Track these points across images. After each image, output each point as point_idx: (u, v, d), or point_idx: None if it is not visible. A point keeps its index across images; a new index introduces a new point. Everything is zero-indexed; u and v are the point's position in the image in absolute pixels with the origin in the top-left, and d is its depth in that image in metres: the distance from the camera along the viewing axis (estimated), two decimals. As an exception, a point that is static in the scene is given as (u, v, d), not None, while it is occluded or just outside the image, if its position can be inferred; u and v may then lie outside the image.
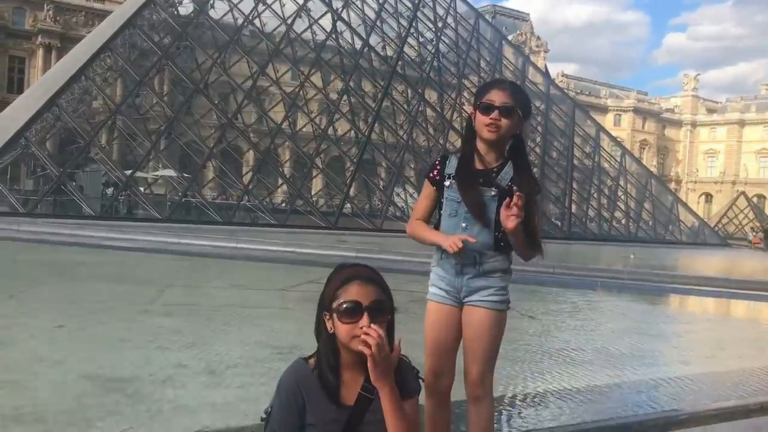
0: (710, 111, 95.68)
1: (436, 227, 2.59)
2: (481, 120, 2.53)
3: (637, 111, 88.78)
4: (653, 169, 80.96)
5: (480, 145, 2.58)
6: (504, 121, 2.51)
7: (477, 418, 2.52)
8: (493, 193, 2.50)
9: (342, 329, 1.96)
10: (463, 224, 2.51)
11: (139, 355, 4.93)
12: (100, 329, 5.98)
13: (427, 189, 2.63)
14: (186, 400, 3.79)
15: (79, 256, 12.82)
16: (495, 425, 2.80)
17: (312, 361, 2.05)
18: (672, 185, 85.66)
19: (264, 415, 2.03)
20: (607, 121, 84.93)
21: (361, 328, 1.90)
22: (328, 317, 2.02)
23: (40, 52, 53.46)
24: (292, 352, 5.21)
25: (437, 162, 2.64)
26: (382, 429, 1.88)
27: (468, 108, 41.90)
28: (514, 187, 2.45)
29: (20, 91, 48.17)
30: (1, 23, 53.09)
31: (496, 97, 2.52)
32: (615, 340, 6.97)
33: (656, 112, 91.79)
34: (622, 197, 42.28)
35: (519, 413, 3.94)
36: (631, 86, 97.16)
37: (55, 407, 3.75)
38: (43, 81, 35.68)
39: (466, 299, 2.53)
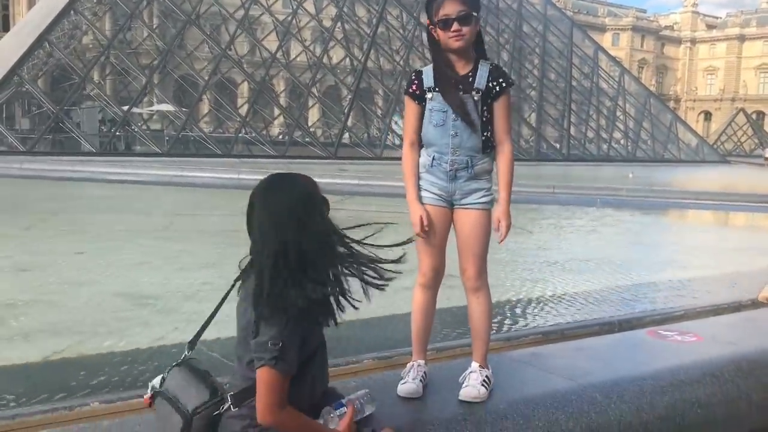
0: (710, 27, 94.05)
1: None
2: (444, 35, 2.59)
3: (635, 29, 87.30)
4: (652, 88, 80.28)
5: (449, 56, 2.66)
6: (465, 29, 2.57)
7: (479, 307, 2.73)
8: (475, 97, 2.61)
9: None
10: (452, 131, 2.61)
11: (162, 276, 5.17)
12: (120, 254, 6.21)
13: (410, 106, 2.70)
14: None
15: (83, 191, 12.99)
16: (496, 327, 3.04)
17: None
18: (671, 104, 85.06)
19: None
20: (605, 40, 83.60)
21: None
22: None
23: (26, -12, 52.25)
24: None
25: (413, 78, 2.73)
26: None
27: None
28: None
29: (6, 29, 47.30)
30: (-18, -42, 51.73)
31: (450, 8, 2.57)
32: (613, 250, 7.22)
33: (655, 29, 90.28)
34: (621, 117, 42.14)
35: (520, 315, 4.20)
36: (629, 4, 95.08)
37: (90, 321, 3.99)
38: (31, 17, 34.99)
39: (460, 201, 2.70)
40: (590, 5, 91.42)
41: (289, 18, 35.27)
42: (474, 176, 2.65)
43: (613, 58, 48.18)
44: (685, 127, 47.21)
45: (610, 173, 25.49)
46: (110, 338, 3.70)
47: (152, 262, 5.75)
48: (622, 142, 40.89)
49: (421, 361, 2.75)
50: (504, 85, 2.59)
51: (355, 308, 1.98)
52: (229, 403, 1.91)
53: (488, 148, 2.65)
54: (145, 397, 2.01)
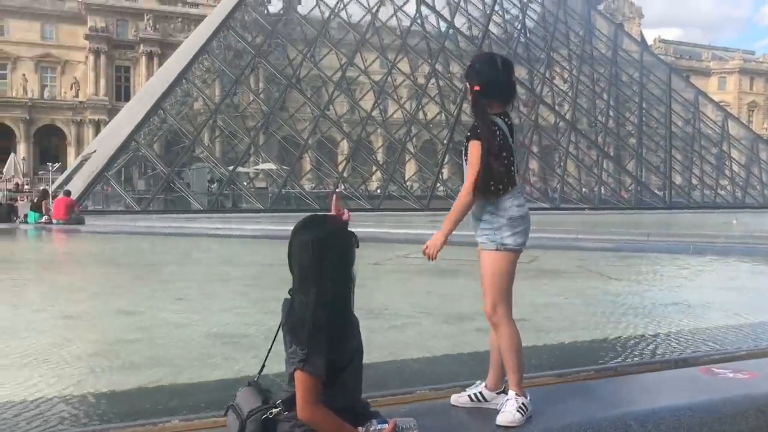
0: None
1: None
2: None
3: (742, 72, 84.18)
4: (764, 132, 76.66)
5: None
6: (469, 96, 3.05)
7: (500, 340, 3.00)
8: (461, 147, 3.08)
9: None
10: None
11: (249, 318, 5.64)
12: (214, 300, 6.77)
13: None
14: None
15: (189, 245, 13.96)
16: (552, 364, 3.20)
17: None
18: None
19: None
20: (711, 84, 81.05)
21: None
22: None
23: (143, 60, 56.67)
24: (382, 315, 5.80)
25: None
26: None
27: (557, 80, 41.32)
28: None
29: (127, 98, 51.36)
30: (106, 36, 56.64)
31: None
32: (694, 294, 7.15)
33: (765, 71, 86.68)
34: (727, 163, 40.59)
35: (581, 354, 4.35)
36: (738, 47, 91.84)
37: (183, 356, 4.48)
38: (147, 87, 38.00)
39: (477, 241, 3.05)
40: (693, 50, 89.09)
41: (385, 77, 36.50)
42: (476, 217, 2.97)
43: (716, 103, 46.73)
44: (798, 171, 44.75)
45: (715, 220, 24.57)
46: (200, 371, 4.15)
47: (242, 307, 6.25)
48: (728, 188, 39.24)
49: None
50: (469, 134, 2.98)
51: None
52: (280, 408, 2.33)
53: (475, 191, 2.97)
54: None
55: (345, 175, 33.63)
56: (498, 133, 2.93)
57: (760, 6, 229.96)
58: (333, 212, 2.90)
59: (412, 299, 6.92)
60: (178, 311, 6.08)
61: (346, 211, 2.84)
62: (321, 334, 2.31)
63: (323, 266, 2.36)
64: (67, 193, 21.25)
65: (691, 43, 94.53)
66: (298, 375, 2.29)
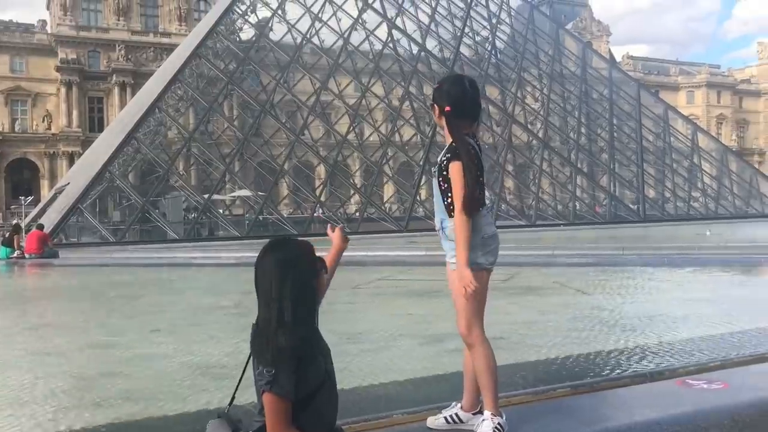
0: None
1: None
2: None
3: (710, 85, 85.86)
4: (733, 143, 78.04)
5: None
6: (435, 118, 3.16)
7: (475, 362, 3.00)
8: (433, 169, 3.14)
9: None
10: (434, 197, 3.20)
11: (225, 348, 5.58)
12: (190, 330, 6.70)
13: None
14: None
15: (166, 275, 13.82)
16: (525, 381, 3.20)
17: None
18: (755, 158, 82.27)
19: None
20: (680, 99, 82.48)
21: None
22: None
23: (116, 91, 56.40)
24: (359, 339, 5.77)
25: None
26: None
27: (529, 99, 41.82)
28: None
29: (101, 129, 51.00)
30: (77, 67, 56.34)
31: None
32: (669, 307, 7.22)
33: (731, 84, 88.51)
34: (698, 175, 41.23)
35: (555, 371, 4.35)
36: (704, 62, 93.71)
37: (159, 389, 4.41)
38: (121, 118, 37.80)
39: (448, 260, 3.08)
40: (661, 65, 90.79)
41: (359, 101, 36.70)
42: (447, 237, 2.98)
43: (685, 116, 47.57)
44: (767, 181, 45.62)
45: (688, 232, 24.88)
46: (175, 404, 4.09)
47: (219, 337, 6.18)
48: (701, 199, 39.84)
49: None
50: (449, 155, 2.98)
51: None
52: None
53: (453, 212, 2.98)
54: None
55: (322, 199, 33.58)
56: (473, 152, 2.96)
57: (724, 21, 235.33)
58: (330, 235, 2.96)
59: (390, 322, 6.89)
60: (154, 343, 6.00)
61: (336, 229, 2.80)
62: (286, 354, 2.30)
63: (285, 286, 2.39)
64: (40, 227, 20.97)
65: (658, 58, 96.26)
66: (267, 397, 2.28)
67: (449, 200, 2.98)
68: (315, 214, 31.22)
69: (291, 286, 2.41)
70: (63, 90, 56.00)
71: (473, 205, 2.90)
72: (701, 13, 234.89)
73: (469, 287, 2.86)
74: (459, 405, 3.12)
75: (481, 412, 3.01)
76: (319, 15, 35.28)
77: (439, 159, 3.08)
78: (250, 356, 2.56)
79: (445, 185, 3.00)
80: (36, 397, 4.27)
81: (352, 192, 39.49)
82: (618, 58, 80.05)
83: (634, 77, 53.99)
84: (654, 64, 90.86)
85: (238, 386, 2.79)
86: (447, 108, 3.02)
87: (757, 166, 65.97)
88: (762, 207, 41.54)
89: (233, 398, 2.76)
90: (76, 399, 4.22)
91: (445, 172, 2.99)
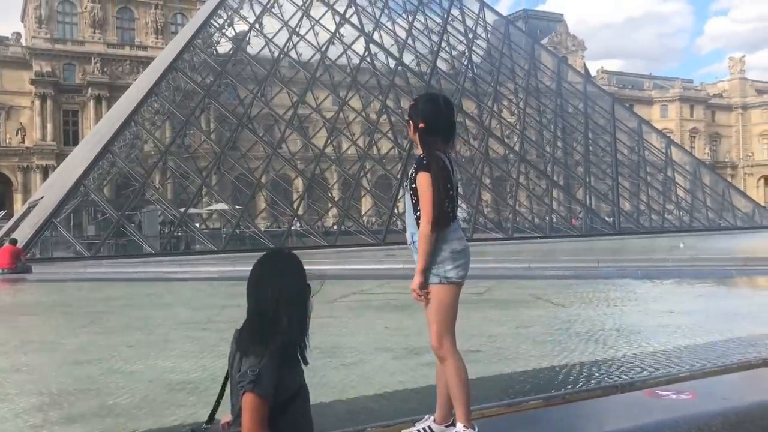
0: (761, 92, 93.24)
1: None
2: None
3: (683, 100, 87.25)
4: (706, 157, 79.23)
5: None
6: (409, 133, 3.23)
7: (447, 374, 3.05)
8: (404, 183, 3.33)
9: None
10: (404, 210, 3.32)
11: (201, 362, 5.57)
12: (166, 345, 6.66)
13: None
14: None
15: (141, 290, 13.70)
16: (500, 394, 3.24)
17: None
18: (728, 171, 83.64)
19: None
20: (654, 113, 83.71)
21: None
22: None
23: (91, 104, 55.95)
24: (336, 353, 5.78)
25: None
26: None
27: (505, 113, 42.20)
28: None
29: (75, 143, 50.55)
30: (52, 80, 55.82)
31: None
32: (643, 318, 7.32)
33: (703, 98, 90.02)
34: (672, 188, 41.80)
35: (530, 383, 4.41)
36: (677, 76, 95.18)
37: (133, 404, 4.39)
38: (96, 131, 37.51)
39: None
40: (636, 80, 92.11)
41: (337, 114, 36.76)
42: (418, 251, 3.02)
43: (658, 130, 48.25)
44: (739, 194, 46.40)
45: (663, 244, 25.20)
46: (149, 419, 4.07)
47: (194, 351, 6.16)
48: (675, 212, 40.38)
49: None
50: (416, 166, 3.03)
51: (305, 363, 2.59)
52: None
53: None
54: None
55: (300, 212, 33.53)
56: (442, 165, 3.01)
57: (696, 37, 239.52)
58: None
59: (366, 336, 6.92)
60: (129, 358, 5.96)
61: None
62: (272, 359, 2.39)
63: (284, 289, 2.54)
64: (13, 242, 20.69)
65: (633, 73, 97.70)
66: (247, 398, 2.35)
67: (419, 214, 3.02)
68: (292, 228, 31.15)
69: (289, 290, 2.56)
70: (37, 103, 55.44)
71: (441, 220, 2.94)
72: (673, 29, 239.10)
73: (415, 293, 2.95)
74: (432, 418, 3.16)
75: (454, 425, 3.05)
76: (297, 29, 35.37)
77: (409, 173, 3.13)
78: (226, 376, 2.63)
79: (416, 199, 3.03)
80: (5, 415, 4.23)
81: (329, 205, 39.44)
82: (593, 73, 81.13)
83: (608, 91, 54.74)
84: (628, 78, 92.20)
85: (218, 403, 2.82)
86: (421, 124, 3.08)
87: (729, 179, 67.07)
88: (734, 220, 42.21)
89: (213, 414, 2.80)
90: (51, 415, 4.19)
91: (414, 185, 3.03)
